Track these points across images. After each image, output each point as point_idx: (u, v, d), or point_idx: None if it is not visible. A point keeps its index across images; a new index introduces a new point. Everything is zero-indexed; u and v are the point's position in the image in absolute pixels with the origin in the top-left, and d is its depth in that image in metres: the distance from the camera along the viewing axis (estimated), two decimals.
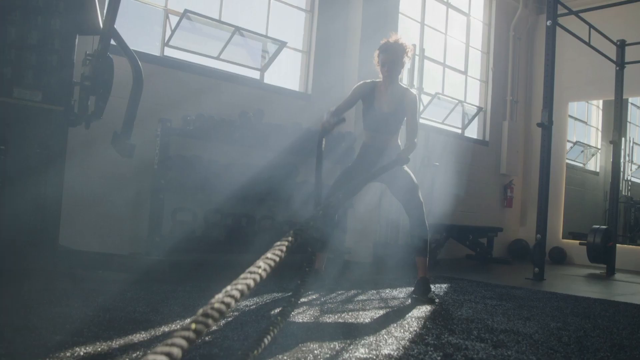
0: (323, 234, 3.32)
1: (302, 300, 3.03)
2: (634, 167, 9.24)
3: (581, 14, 5.75)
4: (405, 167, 3.28)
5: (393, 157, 3.14)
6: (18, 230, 3.30)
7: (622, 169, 8.51)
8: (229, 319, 2.33)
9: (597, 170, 9.47)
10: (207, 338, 1.99)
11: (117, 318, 2.17)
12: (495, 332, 2.46)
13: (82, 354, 1.66)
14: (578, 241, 6.93)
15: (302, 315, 2.60)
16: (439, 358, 1.93)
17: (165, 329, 2.06)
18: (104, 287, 2.95)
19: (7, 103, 3.29)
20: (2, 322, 1.97)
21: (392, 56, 3.25)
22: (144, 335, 1.94)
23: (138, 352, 1.71)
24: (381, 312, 2.84)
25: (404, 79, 6.22)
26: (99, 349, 1.71)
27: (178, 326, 2.11)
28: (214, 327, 2.09)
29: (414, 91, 3.43)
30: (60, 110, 3.51)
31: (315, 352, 1.90)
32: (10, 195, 3.27)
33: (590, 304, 3.63)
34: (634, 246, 7.86)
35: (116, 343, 1.80)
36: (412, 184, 3.28)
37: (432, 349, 2.06)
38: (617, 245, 6.36)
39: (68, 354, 1.63)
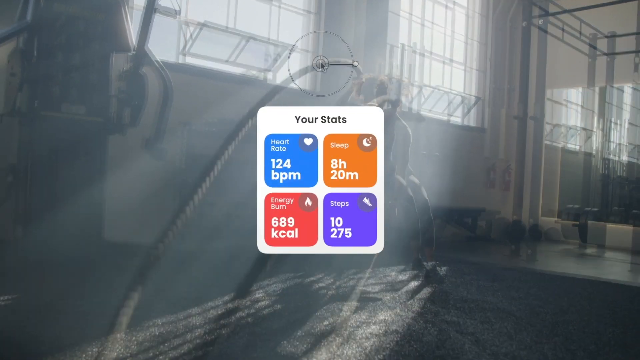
0: None
1: (319, 284, 3.51)
2: (630, 147, 9.65)
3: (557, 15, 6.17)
4: (411, 176, 3.76)
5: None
6: (69, 227, 3.80)
7: (618, 150, 8.98)
8: (263, 303, 2.82)
9: (593, 152, 9.87)
10: (249, 320, 2.48)
11: (175, 298, 2.73)
12: (484, 310, 2.94)
13: (167, 327, 2.15)
14: (555, 219, 7.47)
15: (320, 297, 3.09)
16: (435, 332, 2.42)
17: (212, 304, 2.64)
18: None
19: (57, 117, 3.77)
20: (88, 307, 2.46)
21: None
22: (197, 310, 2.50)
23: (206, 326, 2.23)
24: (388, 295, 3.31)
25: (405, 75, 6.66)
26: (179, 326, 2.21)
27: (221, 303, 2.66)
28: (254, 311, 2.60)
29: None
30: (101, 121, 3.99)
31: (336, 330, 2.38)
32: (63, 196, 3.76)
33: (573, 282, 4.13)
34: (623, 225, 8.29)
35: (186, 320, 2.32)
36: (416, 186, 3.75)
37: (430, 325, 2.54)
38: (609, 225, 6.85)
39: (160, 324, 2.13)
